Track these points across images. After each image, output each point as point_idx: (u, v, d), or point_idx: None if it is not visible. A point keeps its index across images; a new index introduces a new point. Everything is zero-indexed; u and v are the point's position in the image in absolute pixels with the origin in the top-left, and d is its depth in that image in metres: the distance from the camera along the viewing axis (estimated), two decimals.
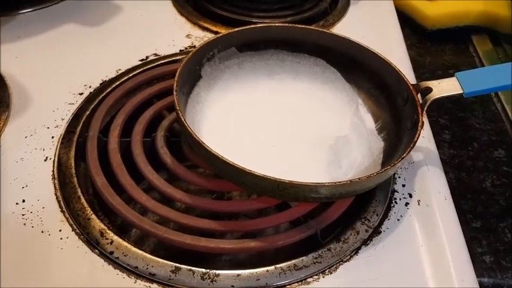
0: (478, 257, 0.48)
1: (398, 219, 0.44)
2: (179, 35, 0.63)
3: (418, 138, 0.42)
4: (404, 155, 0.40)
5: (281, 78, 0.53)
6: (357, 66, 0.51)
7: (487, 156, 0.58)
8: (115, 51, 0.60)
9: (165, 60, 0.59)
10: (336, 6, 0.73)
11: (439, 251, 0.42)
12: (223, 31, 0.63)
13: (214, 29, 0.65)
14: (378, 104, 0.50)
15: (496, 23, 0.79)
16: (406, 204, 0.45)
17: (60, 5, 0.67)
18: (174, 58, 0.59)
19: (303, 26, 0.52)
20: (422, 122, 0.43)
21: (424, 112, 0.44)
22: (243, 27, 0.51)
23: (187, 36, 0.63)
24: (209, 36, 0.64)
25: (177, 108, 0.41)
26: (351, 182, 0.39)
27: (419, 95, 0.46)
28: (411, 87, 0.46)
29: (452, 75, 0.46)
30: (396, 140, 0.46)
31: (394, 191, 0.46)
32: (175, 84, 0.43)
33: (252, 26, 0.52)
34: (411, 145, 0.41)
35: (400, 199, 0.46)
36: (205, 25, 0.66)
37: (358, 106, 0.50)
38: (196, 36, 0.63)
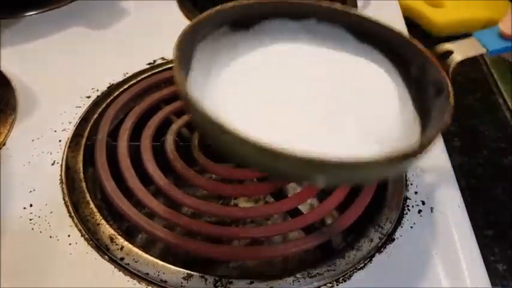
0: (490, 265, 0.47)
1: (411, 227, 0.43)
2: None
3: (452, 102, 0.36)
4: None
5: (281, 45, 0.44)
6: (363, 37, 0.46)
7: (497, 164, 0.58)
8: (122, 55, 0.59)
9: (173, 65, 0.58)
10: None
11: (453, 259, 0.41)
12: None
13: None
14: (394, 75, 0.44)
15: None
16: (419, 211, 0.45)
17: (66, 8, 0.66)
18: None
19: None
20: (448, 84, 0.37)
21: (449, 75, 0.40)
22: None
23: None
24: None
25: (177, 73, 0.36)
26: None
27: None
28: (425, 52, 0.42)
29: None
30: (423, 110, 0.40)
31: (407, 198, 0.46)
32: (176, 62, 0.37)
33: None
34: (446, 113, 0.35)
35: (412, 206, 0.45)
36: None
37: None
38: None
